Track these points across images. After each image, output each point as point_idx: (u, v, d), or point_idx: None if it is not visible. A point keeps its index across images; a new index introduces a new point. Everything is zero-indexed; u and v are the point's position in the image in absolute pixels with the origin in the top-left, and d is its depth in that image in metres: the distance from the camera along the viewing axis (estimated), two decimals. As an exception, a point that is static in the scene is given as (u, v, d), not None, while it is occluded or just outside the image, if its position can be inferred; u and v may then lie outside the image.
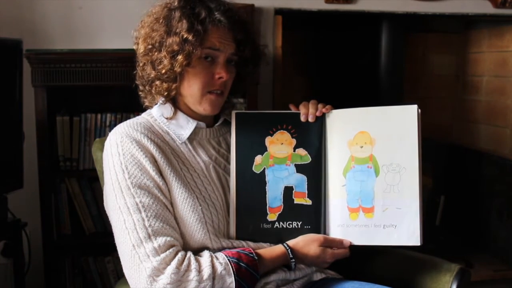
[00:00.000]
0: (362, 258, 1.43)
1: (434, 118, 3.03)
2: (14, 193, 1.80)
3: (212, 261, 1.10)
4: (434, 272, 1.32)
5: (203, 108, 1.24)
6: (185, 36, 1.16)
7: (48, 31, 2.11)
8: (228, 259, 1.11)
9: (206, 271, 1.08)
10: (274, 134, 1.28)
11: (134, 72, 1.29)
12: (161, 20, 1.20)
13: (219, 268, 1.09)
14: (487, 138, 2.87)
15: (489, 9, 2.41)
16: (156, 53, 1.20)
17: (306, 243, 1.23)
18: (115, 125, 1.54)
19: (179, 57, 1.17)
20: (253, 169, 1.27)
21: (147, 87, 1.26)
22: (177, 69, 1.18)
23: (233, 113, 1.29)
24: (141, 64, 1.25)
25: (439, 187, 2.76)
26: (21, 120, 1.82)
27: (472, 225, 2.82)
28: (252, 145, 1.27)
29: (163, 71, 1.19)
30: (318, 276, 1.30)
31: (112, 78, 1.91)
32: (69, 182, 2.05)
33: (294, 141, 1.29)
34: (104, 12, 2.12)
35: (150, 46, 1.21)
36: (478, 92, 2.94)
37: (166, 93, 1.23)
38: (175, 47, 1.17)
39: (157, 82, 1.22)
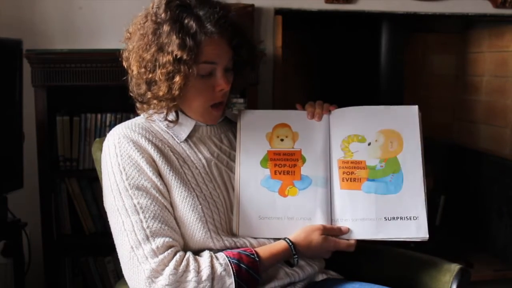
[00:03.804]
0: (362, 259, 1.43)
1: (434, 118, 3.03)
2: (14, 193, 1.80)
3: (211, 261, 1.09)
4: (434, 272, 1.32)
5: (205, 120, 1.25)
6: (179, 55, 1.11)
7: (48, 31, 2.11)
8: (229, 260, 1.10)
9: (205, 272, 1.07)
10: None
11: (129, 94, 1.23)
12: (150, 37, 1.14)
13: (219, 269, 1.08)
14: (487, 138, 2.87)
15: (489, 9, 2.41)
16: (150, 74, 1.15)
17: (307, 233, 1.21)
18: (115, 125, 1.53)
19: (177, 79, 1.12)
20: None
21: (143, 103, 1.22)
22: (176, 92, 1.13)
23: (240, 111, 1.30)
24: (134, 82, 1.21)
25: (439, 187, 2.77)
26: (21, 120, 1.82)
27: (472, 225, 2.82)
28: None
29: (160, 93, 1.15)
30: (319, 277, 1.29)
31: (112, 78, 1.91)
32: (69, 182, 2.05)
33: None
34: (104, 12, 2.12)
35: (143, 69, 1.15)
36: (478, 92, 2.94)
37: (166, 111, 1.21)
38: (169, 68, 1.12)
39: (155, 101, 1.18)
